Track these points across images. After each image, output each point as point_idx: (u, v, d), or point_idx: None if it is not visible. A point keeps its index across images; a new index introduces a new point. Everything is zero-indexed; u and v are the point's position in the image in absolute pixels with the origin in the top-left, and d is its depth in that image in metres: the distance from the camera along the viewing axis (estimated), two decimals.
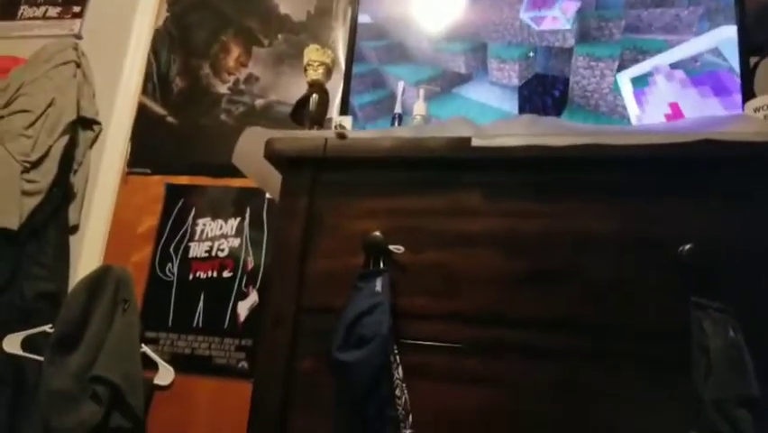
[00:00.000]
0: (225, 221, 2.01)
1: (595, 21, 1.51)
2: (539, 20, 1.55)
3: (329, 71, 1.37)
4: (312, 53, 1.36)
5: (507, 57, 1.53)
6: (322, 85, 1.35)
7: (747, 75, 1.39)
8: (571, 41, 1.52)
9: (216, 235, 2.00)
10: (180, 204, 2.07)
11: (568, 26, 1.53)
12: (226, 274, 1.95)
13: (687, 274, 0.95)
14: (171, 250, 2.02)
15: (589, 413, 0.94)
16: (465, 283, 1.04)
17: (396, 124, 1.44)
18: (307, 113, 1.30)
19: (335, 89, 1.65)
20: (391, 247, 1.06)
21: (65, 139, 2.07)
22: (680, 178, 1.02)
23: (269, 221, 1.97)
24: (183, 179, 2.10)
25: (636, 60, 1.45)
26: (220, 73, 2.21)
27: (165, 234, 2.04)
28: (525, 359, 0.98)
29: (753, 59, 1.49)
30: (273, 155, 1.18)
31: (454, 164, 1.10)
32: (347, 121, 1.28)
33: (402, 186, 1.12)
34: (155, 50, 2.30)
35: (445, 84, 1.52)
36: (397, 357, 1.00)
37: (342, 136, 1.16)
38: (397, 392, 0.98)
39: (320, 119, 1.31)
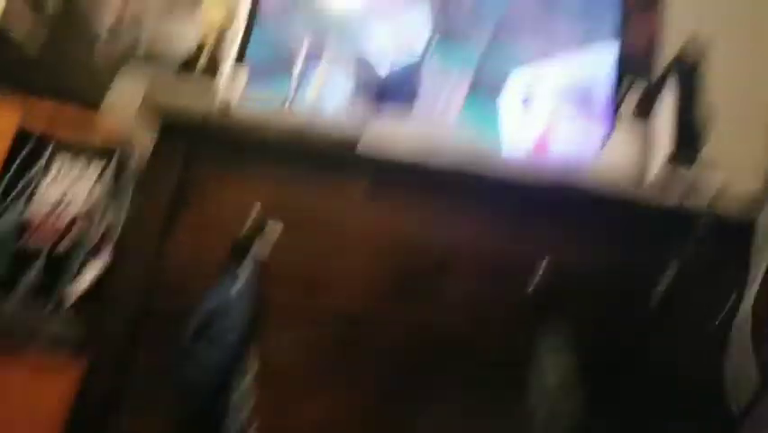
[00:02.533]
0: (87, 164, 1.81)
1: (467, 13, 1.48)
2: None
3: (230, 17, 1.24)
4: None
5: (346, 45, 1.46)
6: (221, 30, 1.21)
7: (619, 97, 1.45)
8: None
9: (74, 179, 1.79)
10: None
11: None
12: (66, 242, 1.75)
13: (538, 298, 1.01)
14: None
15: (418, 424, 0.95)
16: (334, 280, 1.03)
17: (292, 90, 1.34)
18: (201, 60, 1.17)
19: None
20: (270, 222, 1.00)
21: None
22: (546, 206, 1.07)
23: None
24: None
25: (491, 81, 1.46)
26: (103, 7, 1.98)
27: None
28: (378, 366, 0.99)
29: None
30: (150, 111, 1.06)
31: (341, 160, 1.07)
32: (243, 72, 1.17)
33: (284, 173, 1.07)
34: None
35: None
36: (247, 364, 0.94)
37: (225, 113, 1.06)
38: (244, 396, 0.92)
39: (214, 67, 1.18)
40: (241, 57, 1.42)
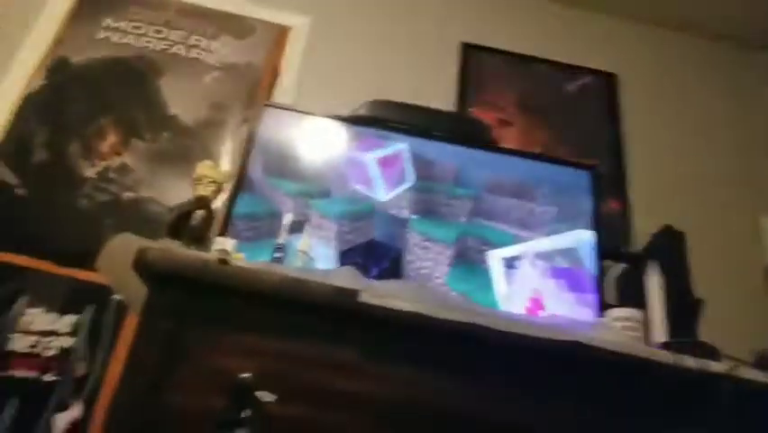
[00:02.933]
0: (60, 315, 1.80)
1: (443, 196, 1.61)
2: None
3: (219, 190, 1.32)
4: (206, 169, 1.31)
5: (328, 212, 1.57)
6: (209, 202, 1.29)
7: (601, 278, 1.55)
8: (405, 212, 1.59)
9: (46, 331, 1.77)
10: (10, 286, 1.82)
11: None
12: (48, 378, 1.71)
13: None
14: None
15: None
16: None
17: (276, 254, 1.40)
18: (190, 227, 1.23)
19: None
20: (261, 394, 0.98)
21: None
22: (551, 372, 1.08)
23: (115, 324, 1.78)
24: (20, 259, 1.87)
25: (475, 251, 1.56)
26: (90, 156, 2.06)
27: None
28: None
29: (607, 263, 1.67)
30: (143, 266, 1.08)
31: (337, 316, 1.07)
32: (230, 244, 1.22)
33: (280, 327, 1.07)
34: (21, 114, 2.11)
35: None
36: None
37: (224, 262, 1.09)
38: None
39: (201, 237, 1.24)
40: (226, 225, 1.50)
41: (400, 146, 1.64)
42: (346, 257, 1.50)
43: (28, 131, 2.08)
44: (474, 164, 1.64)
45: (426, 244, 1.53)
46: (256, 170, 1.58)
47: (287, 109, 1.70)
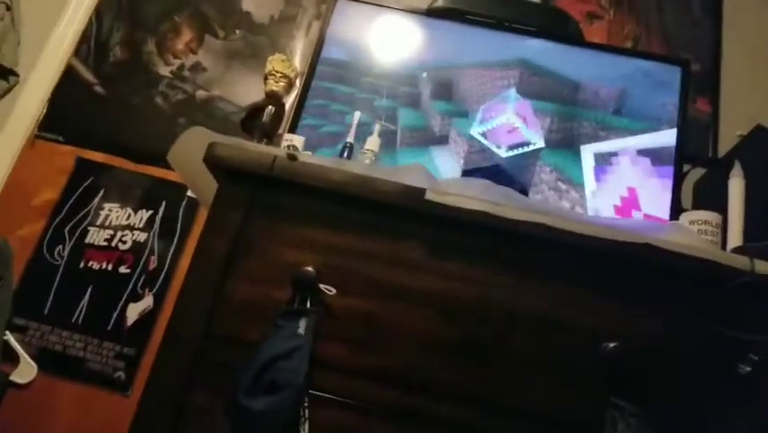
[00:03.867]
0: (135, 211, 1.84)
1: (591, 126, 1.44)
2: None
3: (290, 86, 1.28)
4: (277, 63, 1.27)
5: (464, 132, 1.47)
6: (280, 98, 1.25)
7: (679, 180, 1.44)
8: (538, 139, 1.45)
9: (121, 225, 1.82)
10: (88, 182, 1.87)
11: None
12: (123, 270, 1.77)
13: (608, 371, 0.95)
14: (66, 231, 1.81)
15: None
16: (391, 340, 0.98)
17: (345, 153, 1.36)
18: (259, 124, 1.20)
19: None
20: (322, 287, 0.97)
21: None
22: (617, 275, 1.02)
23: (185, 220, 1.82)
24: (98, 156, 1.91)
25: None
26: (165, 54, 2.05)
27: (63, 212, 1.84)
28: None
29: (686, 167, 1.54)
30: (214, 161, 1.07)
31: (403, 213, 1.03)
32: (299, 141, 1.18)
33: (345, 223, 1.05)
34: (99, 12, 2.11)
35: (420, 137, 1.45)
36: (306, 411, 0.90)
37: (292, 157, 1.06)
38: None
39: (271, 133, 1.21)
40: (295, 123, 1.43)
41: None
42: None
43: (106, 29, 2.09)
44: (560, 60, 1.50)
45: (560, 184, 1.41)
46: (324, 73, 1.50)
47: (362, 2, 1.60)
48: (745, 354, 0.95)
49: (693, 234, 1.15)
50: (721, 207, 1.24)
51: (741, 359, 0.95)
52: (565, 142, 1.45)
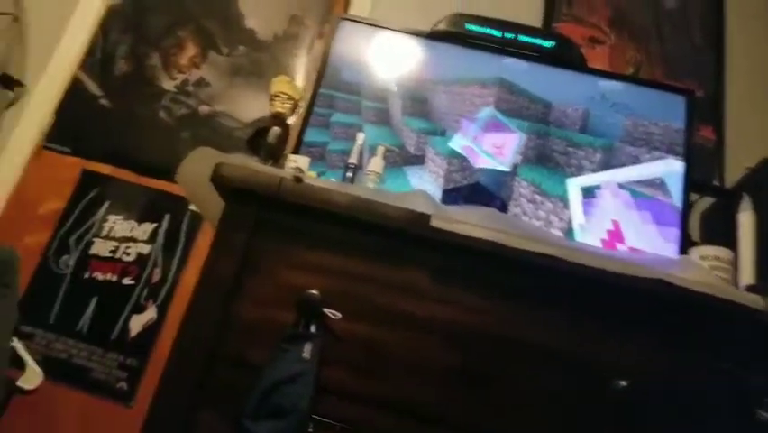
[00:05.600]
0: (139, 223, 1.86)
1: (560, 142, 1.49)
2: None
3: (295, 107, 1.31)
4: (283, 85, 1.29)
5: (442, 151, 1.50)
6: (285, 119, 1.28)
7: (686, 211, 1.45)
8: (516, 156, 1.48)
9: (125, 237, 1.85)
10: (94, 193, 1.90)
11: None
12: (127, 281, 1.79)
13: (616, 409, 0.95)
14: (71, 241, 1.84)
15: None
16: (394, 367, 0.98)
17: (348, 174, 1.38)
18: (265, 144, 1.22)
19: None
20: (327, 311, 0.99)
21: None
22: (628, 310, 1.02)
23: (189, 233, 1.84)
24: (103, 168, 1.94)
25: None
26: (169, 68, 2.08)
27: (69, 223, 1.87)
28: None
29: (693, 196, 1.56)
30: (221, 181, 1.08)
31: (409, 239, 1.05)
32: (304, 162, 1.21)
33: (352, 247, 1.06)
34: (105, 25, 2.14)
35: (398, 158, 1.49)
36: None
37: (298, 180, 1.08)
38: None
39: (277, 154, 1.23)
40: (298, 144, 1.45)
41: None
42: (448, 196, 1.45)
43: (111, 42, 2.12)
44: (563, 86, 1.53)
45: (536, 197, 1.45)
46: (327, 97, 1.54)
47: (364, 23, 1.62)
48: (764, 400, 0.94)
49: (705, 270, 1.14)
50: (729, 239, 1.24)
51: (759, 404, 0.94)
52: (539, 159, 1.49)
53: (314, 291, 0.99)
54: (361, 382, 0.97)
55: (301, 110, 1.46)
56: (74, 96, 2.04)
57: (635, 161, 1.48)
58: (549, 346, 0.99)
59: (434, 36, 1.60)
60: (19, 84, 2.01)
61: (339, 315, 0.98)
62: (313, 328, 0.97)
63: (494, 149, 1.49)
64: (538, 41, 1.58)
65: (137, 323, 1.74)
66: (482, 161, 1.48)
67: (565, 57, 1.57)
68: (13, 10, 2.00)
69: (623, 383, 0.94)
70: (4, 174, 1.91)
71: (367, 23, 1.62)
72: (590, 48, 2.03)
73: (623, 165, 1.47)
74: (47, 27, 2.09)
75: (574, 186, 1.46)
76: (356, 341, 0.99)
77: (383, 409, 0.96)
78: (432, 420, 0.95)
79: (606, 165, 1.47)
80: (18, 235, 1.84)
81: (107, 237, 1.85)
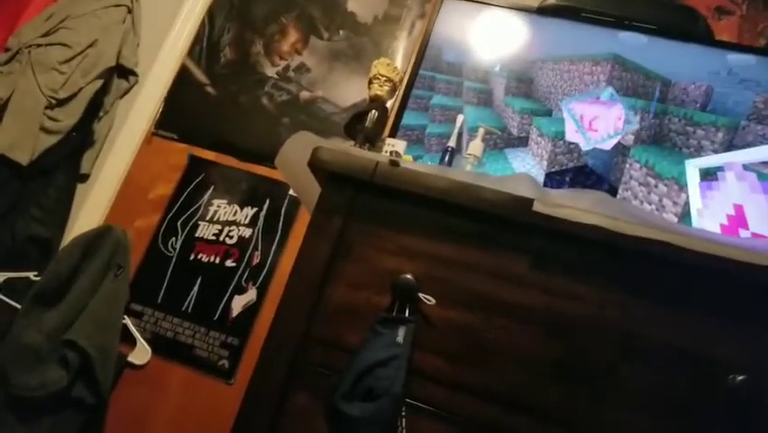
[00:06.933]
0: (241, 208, 1.91)
1: (678, 120, 1.39)
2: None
3: (394, 90, 1.28)
4: (382, 67, 1.27)
5: (547, 132, 1.43)
6: (384, 102, 1.26)
7: None
8: (629, 136, 1.40)
9: (228, 220, 1.90)
10: (200, 179, 1.97)
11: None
12: (229, 263, 1.85)
13: (732, 406, 0.87)
14: (179, 224, 1.92)
15: None
16: (491, 355, 0.94)
17: (446, 157, 1.35)
18: (362, 128, 1.21)
19: None
20: (422, 296, 0.96)
21: (98, 84, 1.98)
22: (749, 302, 0.93)
23: (287, 218, 1.87)
24: (208, 154, 2.01)
25: None
26: (272, 55, 2.11)
27: (176, 206, 1.95)
28: None
29: None
30: (318, 165, 1.08)
31: (509, 224, 1.00)
32: (401, 145, 1.18)
33: (447, 232, 1.03)
34: (211, 14, 2.21)
35: (500, 140, 1.43)
36: (404, 421, 0.91)
37: (394, 163, 1.06)
38: None
39: (375, 137, 1.22)
40: (395, 127, 1.43)
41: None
42: (553, 180, 1.39)
43: (217, 30, 2.18)
44: (685, 61, 1.41)
45: (649, 179, 1.36)
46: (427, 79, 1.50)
47: (468, 0, 1.56)
48: None
49: None
50: None
51: None
52: (654, 139, 1.39)
53: (409, 276, 0.97)
54: (455, 369, 0.94)
55: (400, 93, 1.43)
56: (182, 84, 2.12)
57: (765, 140, 1.34)
58: (660, 341, 0.92)
59: (543, 11, 1.52)
60: (133, 73, 2.11)
61: (433, 300, 0.96)
62: (407, 313, 0.95)
63: (601, 129, 1.41)
64: (657, 13, 1.46)
65: (238, 304, 1.79)
66: (587, 142, 1.40)
67: (688, 29, 1.44)
68: (128, 2, 2.10)
69: (740, 378, 0.86)
70: (118, 161, 2.02)
71: (471, 0, 1.56)
72: (717, 19, 1.87)
73: (749, 146, 1.35)
74: (158, 16, 2.18)
75: (692, 167, 1.35)
76: (450, 327, 0.96)
77: (479, 398, 0.92)
78: (530, 413, 0.91)
79: (729, 145, 1.35)
80: (130, 219, 1.94)
81: (212, 221, 1.91)
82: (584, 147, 1.40)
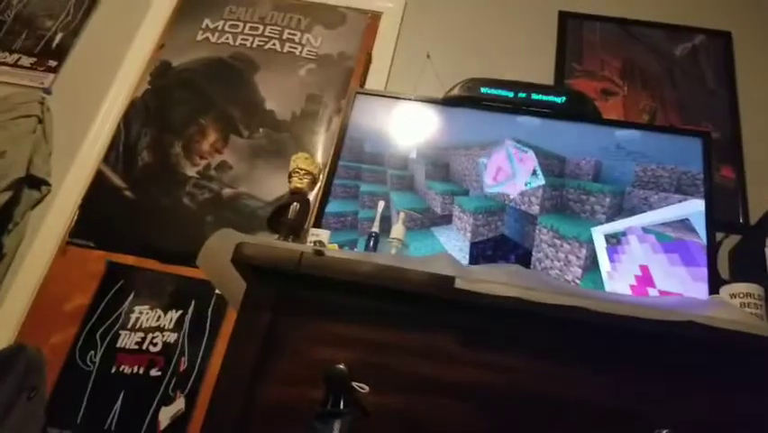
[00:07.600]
0: (165, 312, 1.84)
1: (574, 191, 1.53)
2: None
3: (314, 182, 1.31)
4: (301, 161, 1.30)
5: (467, 208, 1.54)
6: (305, 194, 1.27)
7: (713, 250, 1.43)
8: (535, 207, 1.53)
9: (152, 327, 1.82)
10: (119, 285, 1.89)
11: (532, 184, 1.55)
12: (154, 373, 1.75)
13: None
14: (98, 335, 1.82)
15: None
16: None
17: (371, 243, 1.36)
18: (285, 221, 1.21)
19: None
20: (355, 384, 0.94)
21: (7, 195, 1.90)
22: (661, 355, 0.98)
23: (214, 318, 1.81)
24: (128, 259, 1.94)
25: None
26: (192, 155, 2.11)
27: (95, 317, 1.85)
28: None
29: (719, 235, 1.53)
30: (242, 260, 1.06)
31: (434, 303, 1.01)
32: (325, 235, 1.19)
33: (377, 316, 1.03)
34: (127, 119, 2.20)
35: (426, 220, 1.52)
36: None
37: (319, 253, 1.06)
38: None
39: (298, 229, 1.22)
40: (319, 217, 1.46)
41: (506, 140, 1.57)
42: (477, 250, 1.48)
43: (134, 134, 2.16)
44: (577, 139, 1.57)
45: (555, 240, 1.48)
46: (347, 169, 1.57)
47: (379, 95, 1.66)
48: None
49: (736, 309, 1.12)
50: (760, 275, 1.20)
51: None
52: (556, 207, 1.53)
53: (340, 365, 0.95)
54: None
55: (322, 184, 1.46)
56: (98, 190, 2.07)
57: (647, 203, 1.49)
58: (587, 402, 0.94)
59: (448, 102, 1.63)
60: (45, 183, 2.05)
61: (367, 388, 0.93)
62: (342, 404, 0.92)
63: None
64: (550, 98, 1.61)
65: (166, 415, 1.68)
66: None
67: (578, 110, 1.60)
68: (38, 112, 2.07)
69: (665, 431, 0.89)
70: (29, 274, 1.92)
71: (382, 95, 1.66)
72: (604, 100, 2.05)
73: (635, 208, 1.49)
74: (72, 125, 2.15)
75: (598, 234, 1.44)
76: (387, 412, 0.94)
77: None
78: None
79: (619, 209, 1.50)
80: (45, 334, 1.82)
81: (134, 329, 1.82)
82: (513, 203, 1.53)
